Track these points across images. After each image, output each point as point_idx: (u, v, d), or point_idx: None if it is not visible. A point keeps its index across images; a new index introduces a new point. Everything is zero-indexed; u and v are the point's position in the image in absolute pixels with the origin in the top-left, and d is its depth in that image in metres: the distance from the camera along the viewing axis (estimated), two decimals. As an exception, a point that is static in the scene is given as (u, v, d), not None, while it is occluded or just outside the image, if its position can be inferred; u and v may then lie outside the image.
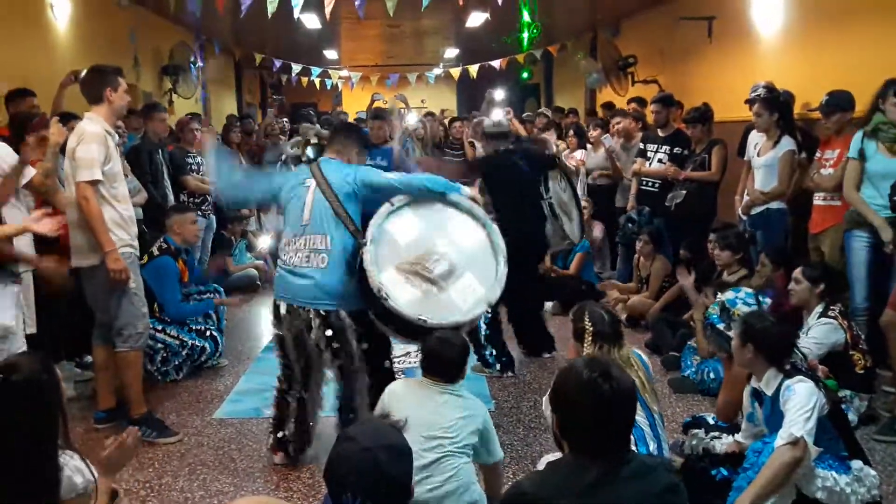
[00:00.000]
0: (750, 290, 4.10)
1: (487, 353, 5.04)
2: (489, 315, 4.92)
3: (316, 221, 3.46)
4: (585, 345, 2.95)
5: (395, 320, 3.31)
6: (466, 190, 3.68)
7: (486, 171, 5.15)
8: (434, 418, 2.79)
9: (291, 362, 3.61)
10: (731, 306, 3.89)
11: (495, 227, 3.56)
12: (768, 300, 4.20)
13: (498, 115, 7.82)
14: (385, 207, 3.47)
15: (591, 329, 2.96)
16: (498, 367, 5.02)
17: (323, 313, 3.40)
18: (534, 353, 5.36)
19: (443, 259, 3.37)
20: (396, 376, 3.57)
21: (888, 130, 4.28)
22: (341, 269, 3.41)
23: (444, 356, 2.94)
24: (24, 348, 3.47)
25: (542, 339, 5.41)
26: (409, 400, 2.89)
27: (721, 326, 3.82)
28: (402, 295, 3.26)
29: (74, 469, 2.20)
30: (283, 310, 3.50)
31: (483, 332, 5.00)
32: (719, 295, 4.19)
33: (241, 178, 4.06)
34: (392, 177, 3.60)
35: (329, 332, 3.41)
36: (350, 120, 11.29)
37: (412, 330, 3.29)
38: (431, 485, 2.68)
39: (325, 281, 3.39)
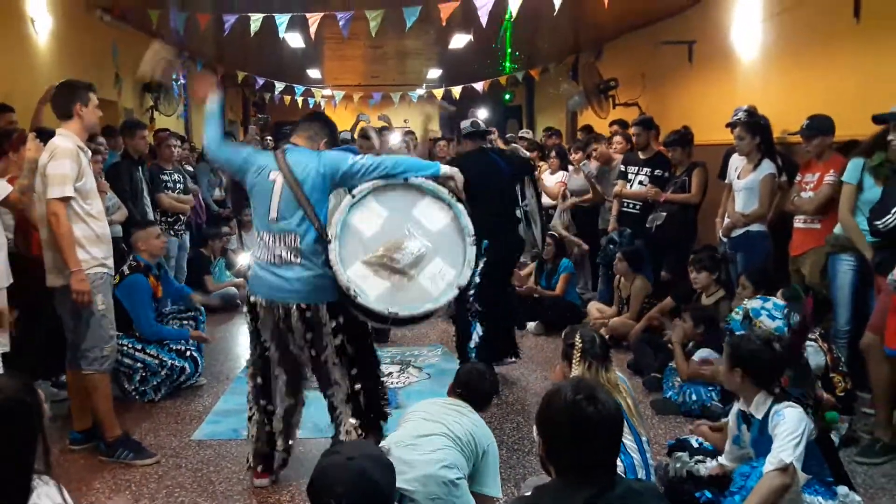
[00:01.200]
0: (780, 302, 3.99)
1: None
2: (481, 336, 4.93)
3: (284, 218, 3.38)
4: (574, 363, 2.96)
5: (368, 313, 3.32)
6: (445, 168, 3.51)
7: (465, 165, 5.09)
8: (438, 413, 2.95)
9: (270, 353, 3.53)
10: (754, 316, 3.84)
11: (461, 208, 3.44)
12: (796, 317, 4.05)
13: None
14: (347, 200, 3.38)
15: (580, 346, 2.97)
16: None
17: (303, 307, 3.37)
18: (496, 359, 5.19)
19: (410, 247, 3.32)
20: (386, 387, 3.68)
21: (887, 167, 4.21)
22: (316, 264, 3.36)
23: (478, 389, 3.16)
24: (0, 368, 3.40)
25: (508, 343, 5.35)
26: (427, 404, 3.09)
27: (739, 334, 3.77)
28: (371, 289, 3.25)
29: (44, 495, 2.14)
30: (260, 306, 3.45)
31: (474, 354, 4.96)
32: (745, 302, 4.14)
33: (223, 141, 3.77)
34: (360, 159, 3.42)
35: (307, 326, 3.39)
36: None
37: (384, 319, 3.34)
38: (416, 453, 2.77)
39: (301, 278, 3.36)
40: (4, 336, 3.87)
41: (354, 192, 3.39)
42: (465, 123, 5.29)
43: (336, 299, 3.38)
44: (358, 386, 3.48)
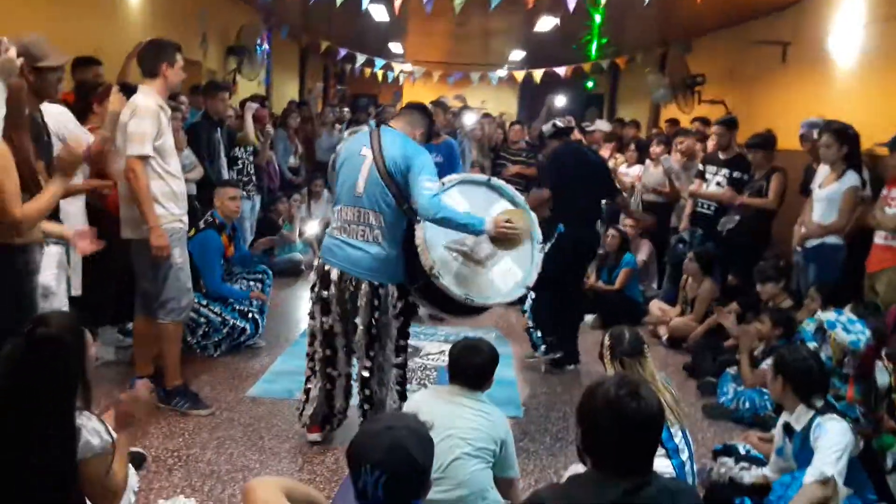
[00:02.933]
0: (854, 317, 3.89)
1: (535, 335, 5.11)
2: (533, 300, 4.99)
3: (369, 196, 3.45)
4: (606, 363, 2.94)
5: (435, 296, 3.43)
6: (489, 224, 3.34)
7: (559, 161, 5.15)
8: (452, 420, 2.77)
9: (333, 322, 3.58)
10: (829, 328, 3.74)
11: (533, 216, 3.66)
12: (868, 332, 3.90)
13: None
14: (436, 187, 3.46)
15: (608, 345, 2.94)
16: (543, 347, 5.07)
17: (375, 284, 3.46)
18: (557, 365, 5.21)
19: (486, 242, 3.46)
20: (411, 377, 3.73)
21: None
22: (393, 245, 3.47)
23: (471, 363, 2.93)
24: (66, 309, 3.55)
25: (571, 348, 5.31)
26: (431, 402, 2.90)
27: (812, 345, 3.68)
28: (450, 274, 3.39)
29: (92, 430, 2.25)
30: (333, 275, 3.51)
31: (529, 316, 5.09)
32: (819, 313, 4.04)
33: None
34: (425, 189, 3.30)
35: (375, 303, 3.47)
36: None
37: (450, 306, 3.46)
38: (444, 487, 2.66)
39: (378, 256, 3.45)
40: (77, 279, 4.04)
41: (444, 180, 3.56)
42: (546, 127, 5.33)
43: (403, 281, 3.50)
44: (400, 371, 3.63)
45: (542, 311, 5.09)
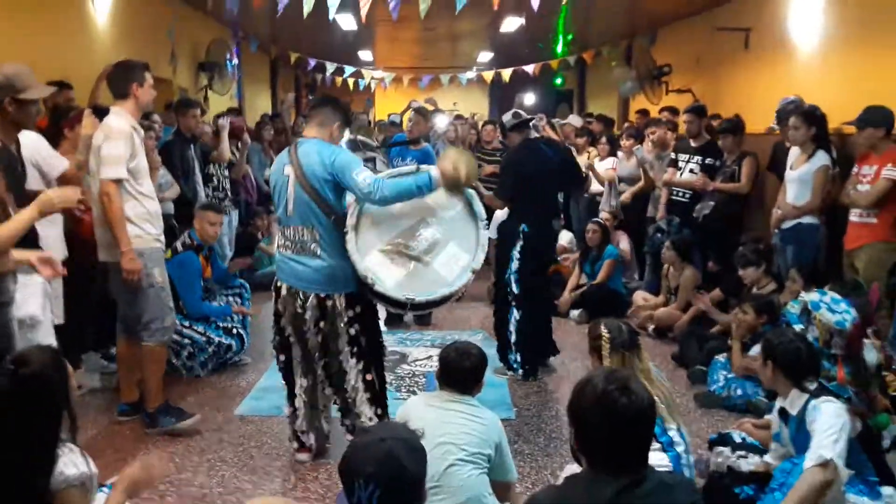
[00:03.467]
0: (838, 297, 3.88)
1: (513, 357, 5.02)
2: (518, 320, 4.92)
3: (300, 213, 3.45)
4: (605, 357, 2.92)
5: (386, 300, 3.43)
6: (435, 173, 3.41)
7: (516, 160, 5.11)
8: (443, 427, 2.75)
9: (290, 343, 3.63)
10: (813, 309, 3.74)
11: (472, 193, 3.56)
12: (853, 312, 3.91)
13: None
14: None
15: (607, 338, 2.92)
16: (521, 372, 5.00)
17: (321, 296, 3.46)
18: (533, 363, 5.09)
19: (424, 234, 3.44)
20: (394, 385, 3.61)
21: None
22: (332, 256, 3.44)
23: (460, 367, 2.91)
24: (53, 338, 3.50)
25: (546, 340, 5.28)
26: (421, 410, 2.88)
27: (798, 328, 3.69)
28: (388, 276, 3.36)
29: (69, 463, 2.20)
30: (283, 291, 3.56)
31: (513, 337, 5.00)
32: (803, 295, 4.06)
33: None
34: (360, 180, 3.32)
35: (322, 315, 3.47)
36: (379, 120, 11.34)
37: (402, 305, 3.43)
38: (441, 496, 2.64)
39: (320, 268, 3.45)
40: (59, 307, 3.99)
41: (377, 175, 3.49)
42: (507, 117, 5.22)
43: (355, 290, 3.48)
44: (369, 377, 3.57)
45: (528, 326, 5.00)
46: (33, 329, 3.35)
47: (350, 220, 3.41)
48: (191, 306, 4.98)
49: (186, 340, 4.93)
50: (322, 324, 3.49)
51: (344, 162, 3.38)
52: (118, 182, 3.75)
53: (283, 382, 3.79)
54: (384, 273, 3.36)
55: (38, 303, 3.39)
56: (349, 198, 3.50)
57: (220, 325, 5.11)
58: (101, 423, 4.17)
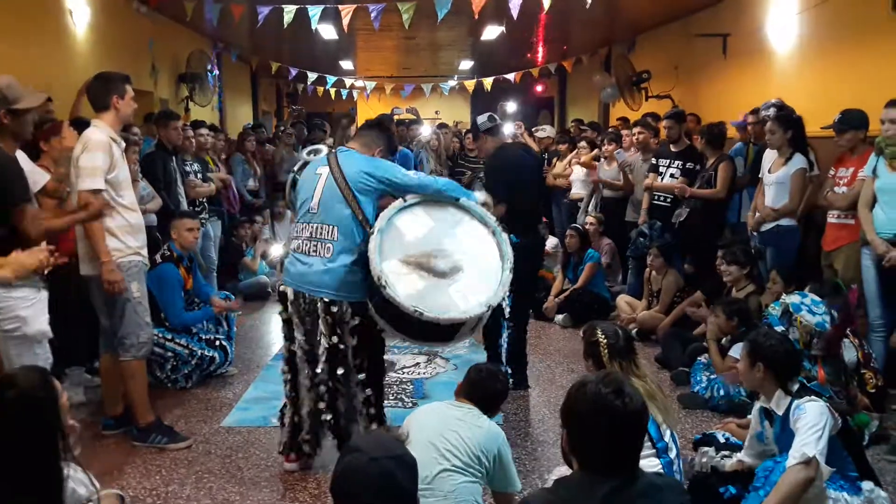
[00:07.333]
0: (818, 298, 3.95)
1: (504, 368, 4.96)
2: (511, 334, 4.90)
3: (324, 210, 3.46)
4: (604, 362, 2.94)
5: (391, 311, 3.31)
6: (479, 195, 3.68)
7: (501, 162, 5.00)
8: (442, 431, 2.76)
9: (300, 347, 3.57)
10: (794, 311, 3.78)
11: (505, 236, 3.59)
12: (834, 313, 4.01)
13: (509, 129, 7.85)
14: (397, 202, 3.50)
15: (605, 343, 2.95)
16: (511, 382, 4.98)
17: (327, 301, 3.43)
18: (523, 373, 4.99)
19: (448, 258, 3.40)
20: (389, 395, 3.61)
21: (888, 147, 4.28)
22: (347, 260, 3.43)
23: (492, 388, 2.99)
24: (49, 353, 3.47)
25: (522, 367, 5.03)
26: (428, 414, 2.90)
27: (780, 329, 3.70)
28: (402, 286, 3.28)
29: (78, 481, 2.21)
30: (289, 295, 3.53)
31: (504, 350, 4.94)
32: (784, 297, 4.09)
33: None
34: (412, 175, 3.59)
35: (330, 321, 3.44)
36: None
37: (406, 323, 3.31)
38: (431, 500, 2.63)
39: (330, 271, 3.42)
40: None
41: (407, 196, 3.53)
42: (481, 119, 5.08)
43: (361, 299, 3.44)
44: (368, 392, 3.55)
45: (520, 339, 4.95)
46: (42, 345, 3.34)
47: (379, 223, 3.38)
48: (173, 317, 4.95)
49: (169, 353, 4.90)
50: (327, 330, 3.46)
51: (388, 165, 3.57)
52: (96, 193, 3.73)
53: (286, 390, 3.69)
54: (399, 281, 3.29)
55: (45, 318, 3.36)
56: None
57: (203, 336, 5.08)
58: (86, 438, 4.14)
